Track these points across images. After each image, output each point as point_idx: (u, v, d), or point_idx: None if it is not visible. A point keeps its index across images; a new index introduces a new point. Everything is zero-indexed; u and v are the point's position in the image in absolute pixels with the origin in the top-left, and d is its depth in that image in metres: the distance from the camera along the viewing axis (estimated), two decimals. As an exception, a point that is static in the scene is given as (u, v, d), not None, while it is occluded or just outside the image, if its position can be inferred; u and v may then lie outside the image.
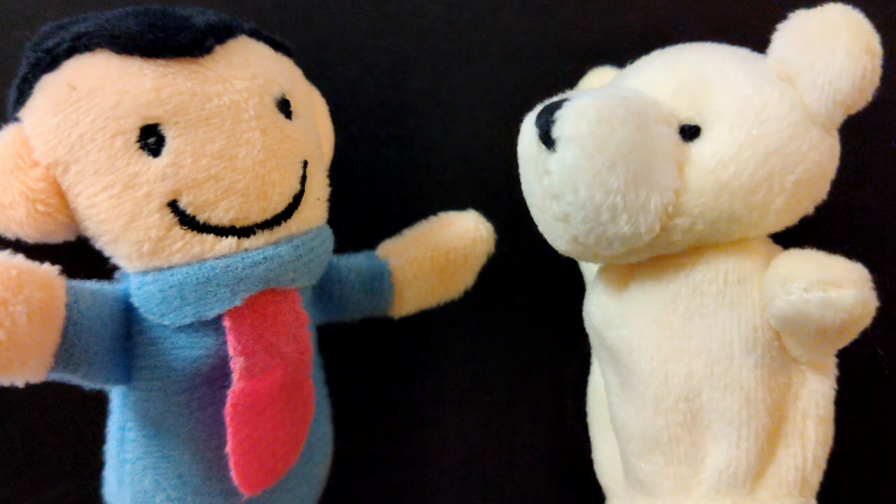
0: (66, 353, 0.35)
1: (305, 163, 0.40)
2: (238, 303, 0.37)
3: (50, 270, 0.34)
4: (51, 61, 0.36)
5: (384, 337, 0.49)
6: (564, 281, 0.53)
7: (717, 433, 0.37)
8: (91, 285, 0.37)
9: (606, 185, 0.34)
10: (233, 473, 0.38)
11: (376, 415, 0.54)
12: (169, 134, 0.35)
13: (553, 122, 0.35)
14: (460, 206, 0.48)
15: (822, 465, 0.38)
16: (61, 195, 0.36)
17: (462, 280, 0.48)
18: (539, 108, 0.37)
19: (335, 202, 0.45)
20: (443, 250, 0.46)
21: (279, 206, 0.38)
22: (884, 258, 0.34)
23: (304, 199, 0.39)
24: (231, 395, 0.37)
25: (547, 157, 0.35)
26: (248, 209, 0.37)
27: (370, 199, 0.52)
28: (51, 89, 0.36)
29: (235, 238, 0.37)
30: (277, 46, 0.42)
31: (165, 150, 0.35)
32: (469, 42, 0.52)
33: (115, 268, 0.38)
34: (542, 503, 0.56)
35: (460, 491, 0.55)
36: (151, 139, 0.35)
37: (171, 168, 0.35)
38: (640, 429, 0.39)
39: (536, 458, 0.55)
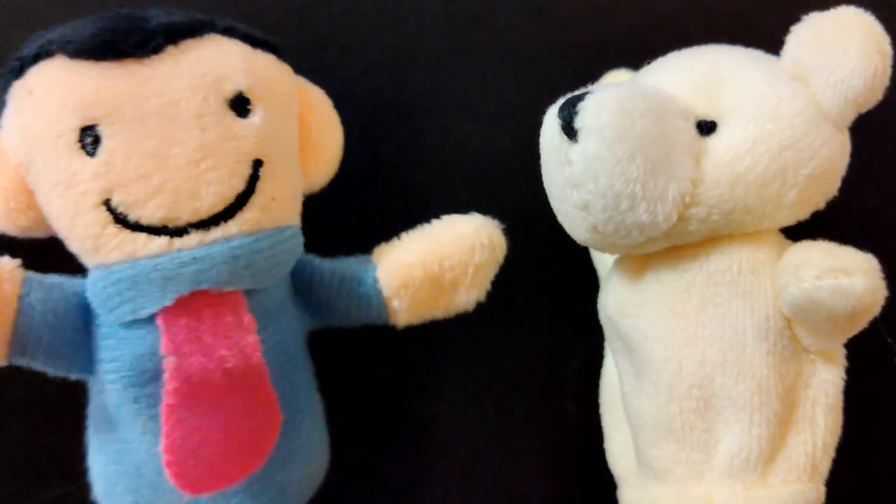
0: (19, 343, 0.37)
1: (258, 162, 0.39)
2: (168, 302, 0.37)
3: (6, 263, 0.37)
4: (20, 68, 0.38)
5: (383, 337, 0.48)
6: (565, 281, 0.53)
7: (730, 419, 0.38)
8: (53, 279, 0.39)
9: (626, 175, 0.35)
10: (166, 472, 0.38)
11: (375, 415, 0.54)
12: (105, 134, 0.36)
13: (575, 113, 0.36)
14: (460, 205, 0.47)
15: (832, 453, 0.39)
16: (30, 193, 0.38)
17: (466, 290, 0.44)
18: (561, 100, 0.38)
19: (334, 202, 0.46)
20: (436, 257, 0.43)
21: (215, 207, 0.38)
22: (886, 256, 0.35)
23: (252, 200, 0.39)
24: (164, 394, 0.37)
25: (569, 147, 0.36)
26: (178, 208, 0.37)
27: (369, 198, 0.52)
28: (16, 94, 0.38)
29: (167, 237, 0.37)
30: (258, 43, 0.41)
31: (100, 150, 0.36)
32: (469, 41, 0.52)
33: None
34: (542, 503, 0.56)
35: (460, 491, 0.55)
36: (89, 139, 0.36)
37: (103, 167, 0.36)
38: (653, 416, 0.40)
39: (536, 458, 0.55)
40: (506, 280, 0.48)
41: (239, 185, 0.38)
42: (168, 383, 0.37)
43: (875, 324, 0.36)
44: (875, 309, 0.35)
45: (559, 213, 0.40)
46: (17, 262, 0.38)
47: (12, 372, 0.39)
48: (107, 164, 0.36)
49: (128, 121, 0.36)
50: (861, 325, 0.36)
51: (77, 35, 0.37)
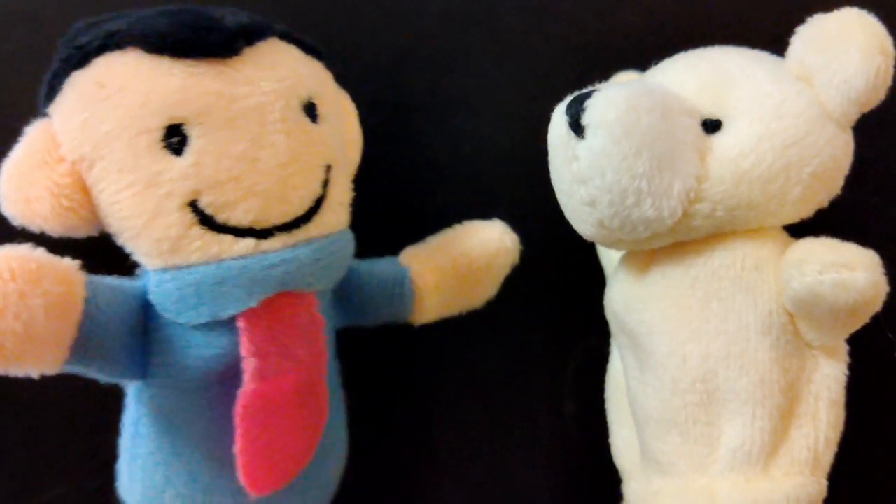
0: (82, 347, 0.35)
1: (329, 167, 0.40)
2: (253, 304, 0.37)
3: (70, 265, 0.34)
4: (81, 58, 0.36)
5: (383, 337, 0.49)
6: (565, 281, 0.54)
7: (733, 412, 0.38)
8: (110, 281, 0.38)
9: (632, 170, 0.36)
10: (240, 474, 0.38)
11: (375, 415, 0.54)
12: (193, 134, 0.36)
13: (583, 110, 0.37)
14: (460, 205, 0.48)
15: (834, 448, 0.39)
16: (86, 191, 0.36)
17: (485, 290, 0.48)
18: (569, 97, 0.39)
19: None
20: (465, 259, 0.46)
21: (299, 209, 0.38)
22: (886, 255, 0.36)
23: (325, 203, 0.39)
24: (242, 395, 0.37)
25: (576, 143, 0.37)
26: (267, 211, 0.37)
27: (369, 198, 0.51)
28: (80, 86, 0.36)
29: (254, 239, 0.37)
30: (308, 49, 0.42)
31: (188, 150, 0.36)
32: (469, 41, 0.53)
33: (136, 264, 0.39)
34: (541, 503, 0.56)
35: (460, 491, 0.56)
36: (175, 139, 0.35)
37: (192, 168, 0.35)
38: (657, 410, 0.40)
39: (536, 458, 0.56)
40: (506, 280, 0.49)
41: (318, 189, 0.39)
42: (247, 384, 0.37)
43: (876, 319, 0.37)
44: (876, 304, 0.35)
45: (566, 209, 0.41)
46: (78, 263, 0.35)
47: None
48: (196, 164, 0.35)
49: (216, 122, 0.36)
50: (862, 319, 0.36)
51: (153, 29, 0.36)
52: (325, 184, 0.40)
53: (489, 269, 0.47)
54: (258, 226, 0.37)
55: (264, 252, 0.37)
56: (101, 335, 0.36)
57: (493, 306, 0.50)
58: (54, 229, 0.37)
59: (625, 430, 0.45)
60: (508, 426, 0.56)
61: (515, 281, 0.50)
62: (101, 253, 0.38)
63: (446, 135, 0.54)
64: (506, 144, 0.53)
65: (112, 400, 0.42)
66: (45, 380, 0.39)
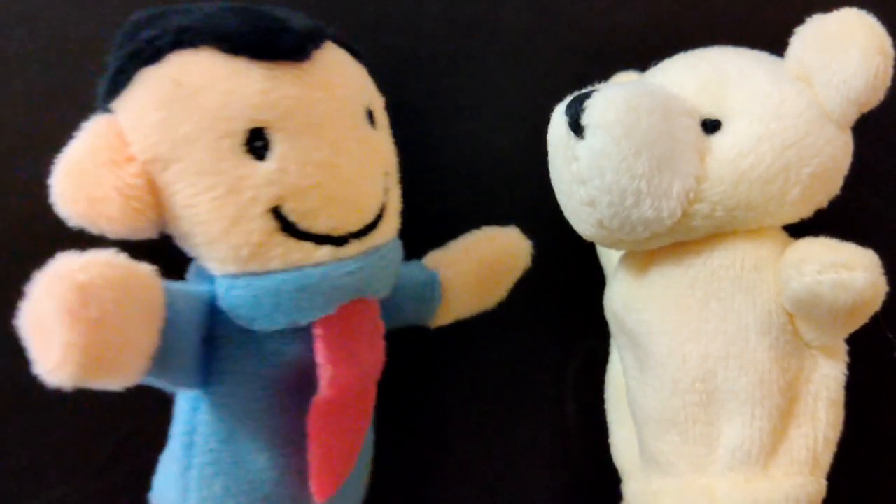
0: (162, 354, 0.33)
1: (387, 174, 0.40)
2: (332, 311, 0.36)
3: (150, 270, 0.33)
4: (153, 53, 0.35)
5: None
6: (565, 281, 0.54)
7: (732, 412, 0.38)
8: (180, 286, 0.37)
9: (632, 170, 0.36)
10: (312, 481, 0.37)
11: (376, 415, 0.54)
12: (275, 138, 0.35)
13: (582, 110, 0.37)
14: (461, 205, 0.48)
15: (833, 447, 0.39)
16: (156, 193, 0.35)
17: (499, 293, 0.49)
18: (569, 98, 0.39)
19: None
20: (488, 263, 0.47)
21: (370, 217, 0.38)
22: (887, 255, 0.36)
23: (386, 210, 0.39)
24: (317, 403, 0.37)
25: (576, 143, 0.37)
26: (346, 218, 0.37)
27: None
28: (153, 83, 0.34)
29: (332, 247, 0.36)
30: (355, 54, 0.41)
31: (272, 155, 0.35)
32: (470, 42, 0.53)
33: (174, 265, 0.38)
34: (542, 502, 0.56)
35: (460, 491, 0.56)
36: (259, 143, 0.35)
37: (277, 174, 0.35)
38: (657, 409, 0.40)
39: (537, 458, 0.55)
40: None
41: (383, 196, 0.39)
42: (322, 392, 0.36)
43: (876, 319, 0.37)
44: (875, 303, 0.35)
45: (565, 209, 0.41)
46: (155, 268, 0.34)
47: (12, 372, 0.38)
48: (280, 170, 0.35)
49: (298, 127, 0.35)
50: (862, 319, 0.36)
51: (228, 29, 0.35)
52: (387, 191, 0.40)
53: (507, 273, 0.48)
54: (335, 233, 0.36)
55: (341, 259, 0.37)
56: (179, 342, 0.35)
57: (493, 306, 0.50)
58: (118, 231, 0.35)
59: (624, 430, 0.46)
60: (509, 426, 0.56)
61: (516, 281, 0.50)
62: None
63: (447, 136, 0.54)
64: (507, 145, 0.53)
65: (112, 400, 0.42)
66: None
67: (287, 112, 0.35)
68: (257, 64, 0.35)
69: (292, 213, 0.35)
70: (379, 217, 0.39)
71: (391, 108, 0.52)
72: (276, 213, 0.35)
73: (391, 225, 0.41)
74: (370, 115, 0.39)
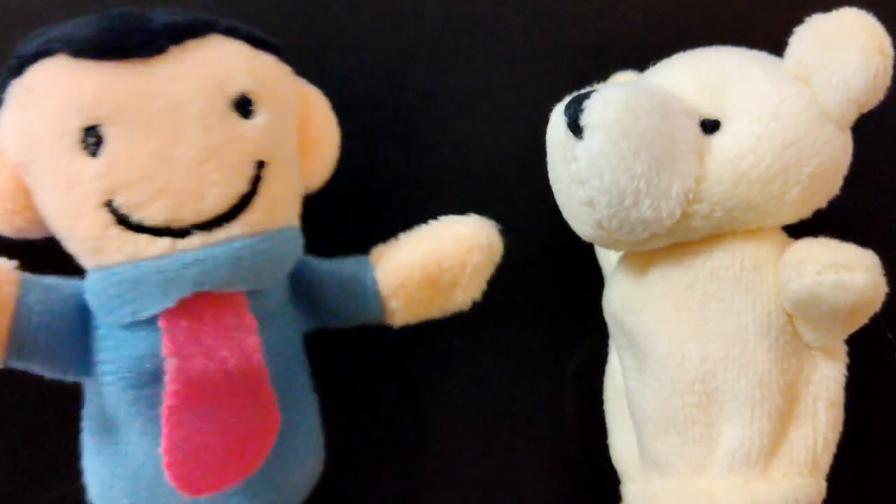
0: (17, 345, 0.36)
1: (260, 163, 0.39)
2: (171, 304, 0.36)
3: (3, 264, 0.36)
4: (19, 66, 0.37)
5: (383, 337, 0.48)
6: (565, 281, 0.54)
7: (731, 413, 0.38)
8: (50, 280, 0.39)
9: (631, 171, 0.36)
10: (166, 474, 0.37)
11: (375, 415, 0.54)
12: (108, 134, 0.36)
13: (581, 110, 0.37)
14: (460, 206, 0.47)
15: (833, 448, 0.39)
16: (27, 194, 0.38)
17: (463, 290, 0.45)
18: (568, 98, 0.39)
19: (334, 202, 0.46)
20: (435, 257, 0.43)
21: (219, 208, 0.38)
22: (887, 256, 0.36)
23: (254, 200, 0.39)
24: (165, 395, 0.37)
25: (574, 144, 0.37)
26: (182, 210, 0.37)
27: (369, 198, 0.52)
28: (16, 93, 0.37)
29: (170, 239, 0.37)
30: (259, 44, 0.41)
31: (103, 151, 0.36)
32: (469, 42, 0.52)
33: None
34: (541, 503, 0.56)
35: (460, 491, 0.55)
36: (92, 139, 0.36)
37: (107, 168, 0.36)
38: (656, 410, 0.40)
39: (536, 458, 0.55)
40: (506, 280, 0.48)
41: (242, 186, 0.38)
42: (169, 385, 0.37)
43: (876, 320, 0.37)
44: (875, 304, 0.35)
45: (564, 210, 0.41)
46: (14, 263, 0.37)
47: (11, 373, 0.39)
48: (110, 164, 0.36)
49: (131, 121, 0.36)
50: (861, 320, 0.36)
51: (79, 33, 0.37)
52: (256, 181, 0.39)
53: (462, 267, 0.44)
54: (175, 225, 0.37)
55: (182, 251, 0.37)
56: (35, 334, 0.37)
57: (493, 306, 0.49)
58: (5, 231, 0.39)
59: (623, 431, 0.45)
60: (508, 426, 0.55)
61: (515, 281, 0.50)
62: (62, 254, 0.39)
63: (446, 135, 0.53)
64: (506, 145, 0.53)
65: None
66: (43, 381, 0.40)
67: (120, 108, 0.36)
68: (100, 64, 0.36)
69: (123, 206, 0.36)
70: (238, 208, 0.38)
71: (390, 108, 0.53)
72: (110, 206, 0.36)
73: (264, 216, 0.39)
74: (242, 104, 0.39)
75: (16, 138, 0.37)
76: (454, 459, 0.55)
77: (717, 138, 0.38)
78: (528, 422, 0.55)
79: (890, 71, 0.37)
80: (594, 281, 0.50)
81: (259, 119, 0.39)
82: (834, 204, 0.41)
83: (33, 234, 0.40)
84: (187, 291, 0.37)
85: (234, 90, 0.39)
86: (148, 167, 0.36)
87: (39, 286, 0.38)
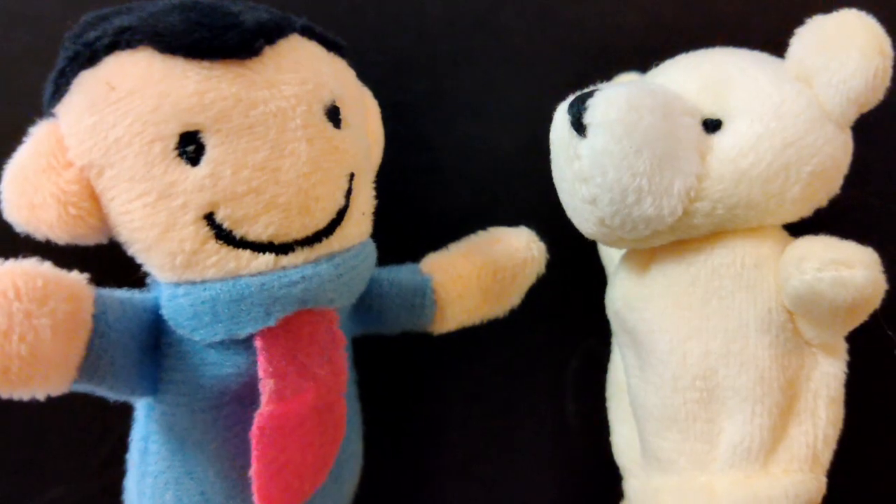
0: (92, 366, 0.33)
1: (352, 175, 0.38)
2: (272, 323, 0.34)
3: (78, 280, 0.32)
4: (90, 56, 0.34)
5: (384, 338, 0.49)
6: (566, 281, 0.53)
7: (732, 409, 0.38)
8: (121, 294, 0.36)
9: (633, 169, 0.36)
10: (255, 497, 0.36)
11: (375, 414, 0.53)
12: (209, 142, 0.33)
13: (585, 109, 0.37)
14: (462, 206, 0.47)
15: (833, 445, 0.39)
16: (95, 198, 0.34)
17: (508, 300, 0.46)
18: (572, 97, 0.39)
19: None
20: (490, 269, 0.44)
21: (321, 223, 0.36)
22: (888, 255, 0.36)
23: (347, 215, 0.37)
24: (258, 417, 0.35)
25: (578, 142, 0.37)
26: (288, 225, 0.34)
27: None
28: (89, 87, 0.34)
29: (273, 255, 0.34)
30: (330, 45, 0.39)
31: (205, 160, 0.33)
32: (470, 43, 0.53)
33: (147, 274, 0.37)
34: (542, 502, 0.56)
35: (460, 491, 0.56)
36: (191, 147, 0.33)
37: (209, 179, 0.33)
38: (658, 407, 0.40)
39: (537, 458, 0.56)
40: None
41: (341, 200, 0.37)
42: (264, 406, 0.35)
43: (875, 317, 0.37)
44: (875, 301, 0.36)
45: (567, 208, 0.41)
46: (86, 277, 0.33)
47: None
48: (213, 175, 0.33)
49: (234, 129, 0.33)
50: (861, 317, 0.37)
51: (167, 27, 0.33)
52: (349, 194, 0.37)
53: (514, 279, 0.45)
54: (278, 240, 0.34)
55: (284, 268, 0.35)
56: (111, 353, 0.34)
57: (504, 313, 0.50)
58: (60, 237, 0.35)
59: (625, 428, 0.46)
60: (511, 425, 0.56)
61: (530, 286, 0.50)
62: (112, 261, 0.37)
63: (449, 136, 0.54)
64: (508, 145, 0.54)
65: (112, 400, 0.42)
66: None
67: (222, 114, 0.33)
68: (195, 63, 0.33)
69: (226, 220, 0.34)
70: (335, 222, 0.36)
71: (391, 108, 0.53)
72: (210, 220, 0.34)
73: (355, 230, 0.38)
74: (333, 113, 0.37)
75: (87, 138, 0.33)
76: (455, 459, 0.56)
77: (719, 137, 0.38)
78: (528, 421, 0.56)
79: (889, 71, 0.38)
80: (595, 281, 0.50)
81: (348, 129, 0.38)
82: (834, 204, 0.41)
83: (90, 240, 0.36)
84: (291, 309, 0.35)
85: (328, 98, 0.37)
86: (255, 179, 0.34)
87: (115, 302, 0.34)
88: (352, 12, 0.52)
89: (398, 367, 0.55)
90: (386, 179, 0.53)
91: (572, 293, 0.54)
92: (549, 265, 0.53)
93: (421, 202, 0.54)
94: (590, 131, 0.37)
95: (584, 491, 0.55)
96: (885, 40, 0.38)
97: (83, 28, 0.35)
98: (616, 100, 0.37)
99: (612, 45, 0.53)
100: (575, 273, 0.53)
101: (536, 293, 0.54)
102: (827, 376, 0.39)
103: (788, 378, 0.38)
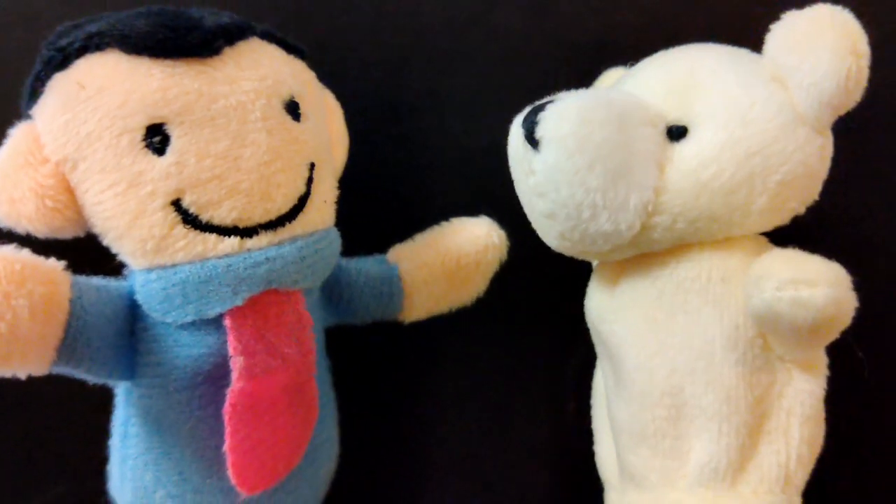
0: (69, 347, 0.35)
1: (312, 165, 0.40)
2: (239, 302, 0.37)
3: (55, 266, 0.35)
4: (62, 60, 0.37)
5: (383, 337, 0.49)
6: (563, 280, 0.52)
7: (700, 428, 0.37)
8: (97, 281, 0.38)
9: (586, 184, 0.35)
10: (230, 473, 0.38)
11: (375, 414, 0.55)
12: (174, 133, 0.36)
13: (537, 123, 0.36)
14: (459, 205, 0.47)
15: (808, 465, 0.38)
16: (70, 191, 0.37)
17: (473, 286, 0.48)
18: (526, 109, 0.38)
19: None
20: (454, 256, 0.46)
21: (283, 208, 0.38)
22: (887, 256, 0.34)
23: (309, 201, 0.40)
24: (230, 394, 0.37)
25: (532, 156, 0.37)
26: (251, 210, 0.37)
27: (369, 198, 0.53)
28: (61, 88, 0.36)
29: (238, 238, 0.37)
30: (290, 49, 0.42)
31: (170, 150, 0.36)
32: (468, 42, 0.52)
33: (123, 264, 0.39)
34: (540, 502, 0.56)
35: (460, 489, 0.56)
36: (156, 138, 0.36)
37: (174, 167, 0.36)
38: (628, 422, 0.40)
39: (536, 457, 0.56)
40: (505, 280, 0.49)
41: (301, 187, 0.39)
42: (235, 383, 0.37)
43: (851, 334, 0.35)
44: (842, 320, 0.33)
45: (531, 221, 0.40)
46: (64, 263, 0.36)
47: None
48: (178, 163, 0.36)
49: (197, 121, 0.36)
50: (828, 336, 0.34)
51: (133, 30, 0.36)
52: (310, 182, 0.40)
53: (477, 265, 0.47)
54: (242, 224, 0.37)
55: (249, 250, 0.37)
56: (88, 336, 0.36)
57: (493, 306, 0.50)
58: (39, 230, 0.38)
59: (607, 439, 0.45)
60: (509, 425, 0.56)
61: (515, 281, 0.50)
62: (89, 253, 0.38)
63: (445, 135, 0.54)
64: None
65: (111, 400, 0.44)
66: (45, 380, 0.40)
67: (185, 107, 0.36)
68: (159, 62, 0.36)
69: (192, 205, 0.36)
70: (297, 208, 0.39)
71: (389, 108, 0.53)
72: (177, 206, 0.36)
73: (317, 216, 0.40)
74: (292, 107, 0.39)
75: (61, 135, 0.36)
76: (453, 458, 0.56)
77: (682, 146, 0.37)
78: (528, 421, 0.55)
79: (865, 72, 0.35)
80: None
81: (307, 122, 0.40)
82: (834, 204, 0.39)
83: (68, 233, 0.39)
84: (257, 290, 0.37)
85: (286, 93, 0.39)
86: (217, 167, 0.36)
87: (91, 288, 0.37)
88: (349, 11, 0.52)
89: (398, 366, 0.56)
90: (382, 178, 0.54)
91: (571, 293, 0.53)
92: (549, 265, 0.53)
93: (418, 201, 0.54)
94: (542, 146, 0.36)
95: (582, 491, 0.54)
96: (860, 38, 0.35)
97: (57, 36, 0.38)
98: (567, 113, 0.35)
99: (609, 42, 0.52)
100: (575, 273, 0.52)
101: (536, 293, 0.54)
102: (802, 393, 0.37)
103: (757, 396, 0.37)
